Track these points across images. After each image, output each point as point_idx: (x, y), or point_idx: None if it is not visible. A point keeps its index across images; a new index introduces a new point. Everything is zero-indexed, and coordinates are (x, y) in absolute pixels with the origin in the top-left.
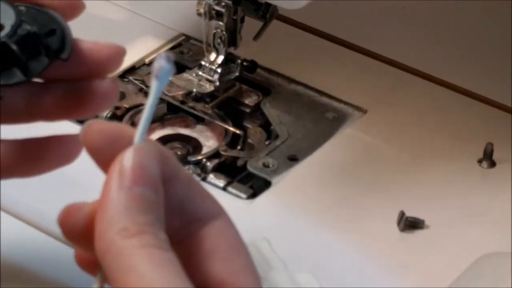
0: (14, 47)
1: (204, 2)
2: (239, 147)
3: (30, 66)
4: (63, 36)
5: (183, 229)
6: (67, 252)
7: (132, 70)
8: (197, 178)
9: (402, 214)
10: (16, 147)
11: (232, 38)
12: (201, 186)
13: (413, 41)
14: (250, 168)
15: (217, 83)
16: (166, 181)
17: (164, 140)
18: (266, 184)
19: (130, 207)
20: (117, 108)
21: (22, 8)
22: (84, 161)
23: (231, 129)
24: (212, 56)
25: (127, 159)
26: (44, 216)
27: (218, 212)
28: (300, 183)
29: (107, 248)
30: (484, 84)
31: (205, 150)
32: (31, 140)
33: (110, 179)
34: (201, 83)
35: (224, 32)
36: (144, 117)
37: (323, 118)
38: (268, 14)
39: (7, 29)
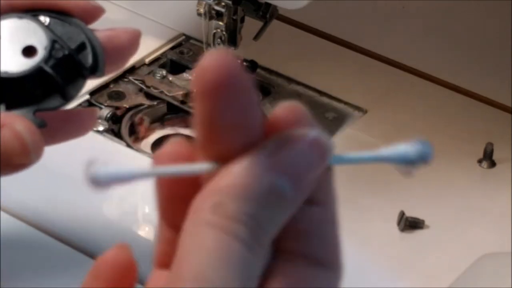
0: (51, 72)
1: (204, 2)
2: None
3: (68, 89)
4: (94, 49)
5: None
6: (67, 252)
7: (132, 70)
8: None
9: (402, 214)
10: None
11: (232, 38)
12: (338, 232)
13: (413, 41)
14: None
15: None
16: (311, 200)
17: (164, 140)
18: None
19: (249, 190)
20: (117, 108)
21: (45, 19)
22: (85, 163)
23: None
24: None
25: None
26: (44, 216)
27: (335, 265)
28: None
29: (191, 213)
30: (484, 84)
31: None
32: (50, 113)
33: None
34: None
35: (224, 32)
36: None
37: (323, 118)
38: (268, 14)
39: (41, 53)
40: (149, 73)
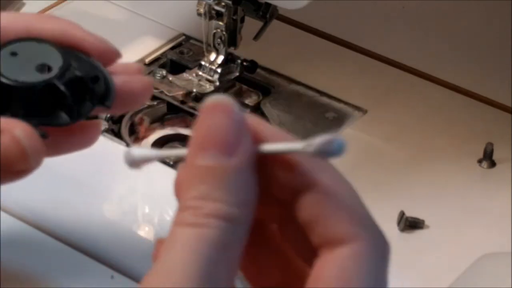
0: (62, 88)
1: (204, 2)
2: None
3: (75, 109)
4: (106, 82)
5: (308, 254)
6: (67, 252)
7: None
8: None
9: (402, 214)
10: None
11: (232, 38)
12: (346, 198)
13: (413, 41)
14: None
15: (217, 83)
16: (297, 193)
17: (164, 140)
18: None
19: (187, 178)
20: None
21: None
22: (85, 163)
23: None
24: (212, 56)
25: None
26: (44, 216)
27: (357, 235)
28: None
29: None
30: (484, 84)
31: None
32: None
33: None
34: (201, 83)
35: (224, 32)
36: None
37: (323, 118)
38: (268, 14)
39: (55, 70)
40: (149, 73)
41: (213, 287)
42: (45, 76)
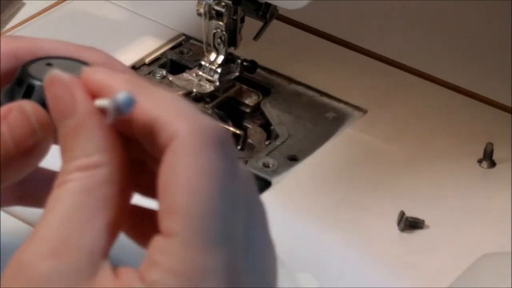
0: None
1: (204, 2)
2: (239, 147)
3: None
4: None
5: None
6: None
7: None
8: None
9: (402, 214)
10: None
11: (232, 38)
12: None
13: (413, 41)
14: (250, 168)
15: (217, 83)
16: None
17: None
18: (266, 184)
19: None
20: None
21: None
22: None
23: (231, 129)
24: (212, 56)
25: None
26: None
27: (176, 130)
28: (300, 183)
29: None
30: (484, 84)
31: None
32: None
33: None
34: (201, 83)
35: (224, 32)
36: None
37: (323, 118)
38: (268, 14)
39: None
40: (149, 73)
41: (79, 226)
42: None
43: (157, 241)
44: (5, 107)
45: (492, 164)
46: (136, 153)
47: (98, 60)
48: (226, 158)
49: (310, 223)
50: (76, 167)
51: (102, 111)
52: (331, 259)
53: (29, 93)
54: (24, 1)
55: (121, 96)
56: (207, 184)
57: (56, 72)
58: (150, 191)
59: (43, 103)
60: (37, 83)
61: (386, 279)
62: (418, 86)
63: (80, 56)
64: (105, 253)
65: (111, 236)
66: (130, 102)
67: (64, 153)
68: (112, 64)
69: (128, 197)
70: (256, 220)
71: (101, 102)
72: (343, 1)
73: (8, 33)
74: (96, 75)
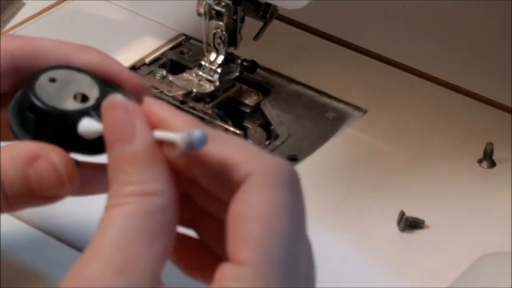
0: (97, 118)
1: (204, 2)
2: None
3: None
4: None
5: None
6: (67, 252)
7: (132, 70)
8: None
9: (402, 214)
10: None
11: (232, 38)
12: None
13: (413, 41)
14: None
15: (217, 83)
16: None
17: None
18: None
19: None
20: None
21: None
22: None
23: (231, 129)
24: (212, 56)
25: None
26: (44, 216)
27: (249, 171)
28: None
29: None
30: (484, 84)
31: None
32: (89, 164)
33: None
34: (201, 83)
35: (224, 32)
36: None
37: (323, 118)
38: (268, 14)
39: (92, 101)
40: (149, 73)
41: (142, 249)
42: (81, 105)
43: (227, 268)
44: (28, 148)
45: (492, 164)
46: (181, 186)
47: (96, 60)
48: (297, 196)
49: (310, 223)
50: (132, 192)
51: (159, 142)
52: (331, 259)
53: (43, 121)
54: (24, 1)
55: (196, 133)
56: (281, 219)
57: (117, 97)
58: (189, 222)
59: (59, 131)
60: (49, 109)
61: (386, 279)
62: (418, 86)
63: (78, 55)
64: (160, 278)
65: (164, 262)
66: (203, 140)
67: (116, 175)
68: (110, 63)
69: (175, 226)
70: (312, 257)
71: (167, 135)
72: (343, 1)
73: (8, 33)
74: (157, 108)
